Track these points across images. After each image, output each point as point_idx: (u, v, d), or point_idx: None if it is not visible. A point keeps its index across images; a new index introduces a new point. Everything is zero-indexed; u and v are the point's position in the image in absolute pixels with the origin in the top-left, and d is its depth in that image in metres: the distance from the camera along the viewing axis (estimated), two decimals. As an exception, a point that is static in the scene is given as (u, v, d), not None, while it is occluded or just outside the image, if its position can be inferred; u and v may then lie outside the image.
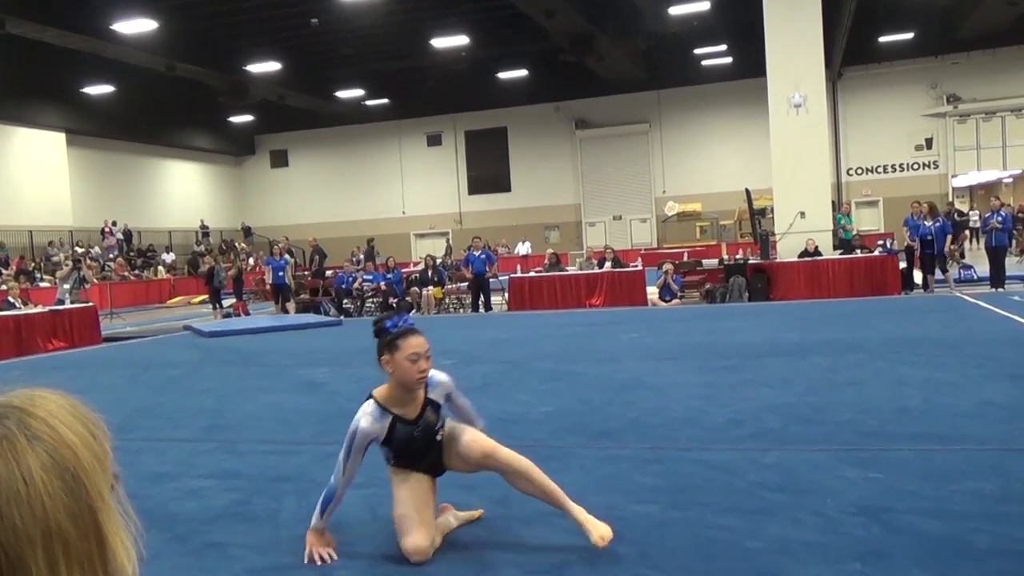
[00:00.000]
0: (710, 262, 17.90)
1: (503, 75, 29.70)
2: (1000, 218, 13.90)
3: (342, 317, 16.40)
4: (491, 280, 16.63)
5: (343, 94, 30.69)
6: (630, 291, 15.69)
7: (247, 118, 33.58)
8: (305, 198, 36.12)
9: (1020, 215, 23.00)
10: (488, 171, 34.30)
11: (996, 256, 13.82)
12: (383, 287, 17.26)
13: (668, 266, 15.70)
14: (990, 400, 5.64)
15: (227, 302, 18.51)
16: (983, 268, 14.84)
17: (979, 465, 4.25)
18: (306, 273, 20.95)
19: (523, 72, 29.44)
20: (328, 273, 20.47)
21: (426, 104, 32.37)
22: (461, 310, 17.32)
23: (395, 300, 17.03)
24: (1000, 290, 13.44)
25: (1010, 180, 32.36)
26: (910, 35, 26.53)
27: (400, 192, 35.39)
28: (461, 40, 24.33)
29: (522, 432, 5.62)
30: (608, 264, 17.14)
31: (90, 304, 14.79)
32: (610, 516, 3.79)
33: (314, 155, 36.50)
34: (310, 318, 15.56)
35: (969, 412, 5.38)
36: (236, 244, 32.93)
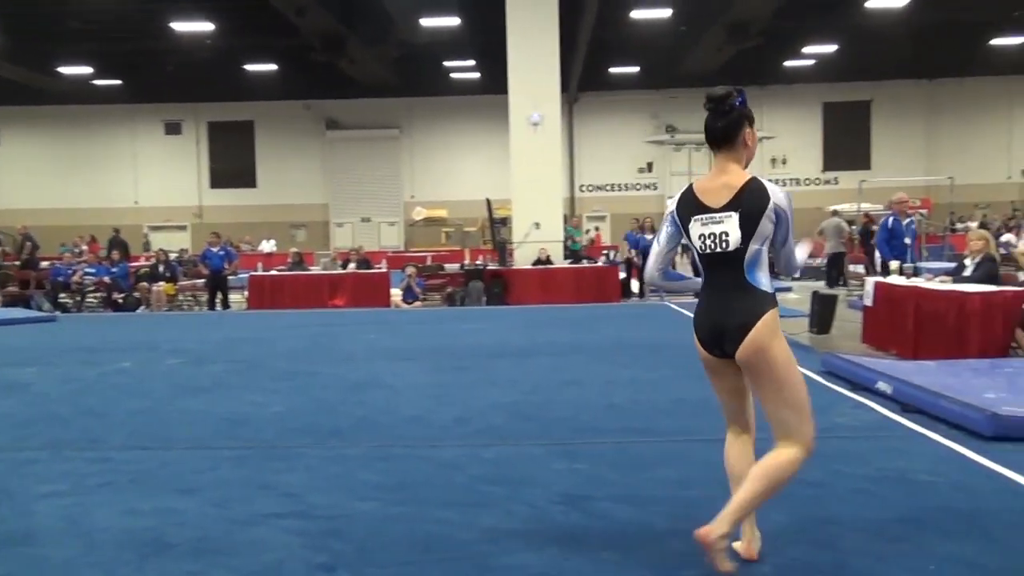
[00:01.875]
0: (452, 267, 18.40)
1: (251, 67, 28.53)
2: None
3: (57, 312, 14.99)
4: (230, 277, 15.97)
5: (68, 71, 27.86)
6: (374, 292, 15.78)
7: (-53, 88, 29.49)
8: (18, 181, 32.38)
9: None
10: (233, 165, 32.89)
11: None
12: (107, 281, 15.98)
13: (411, 269, 16.01)
14: (683, 397, 6.35)
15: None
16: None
17: (668, 454, 4.80)
18: (16, 263, 18.80)
19: (273, 66, 28.47)
20: (44, 264, 18.55)
21: (165, 90, 30.33)
22: (196, 307, 16.48)
23: (120, 295, 15.83)
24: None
25: (717, 204, 36.37)
26: (636, 69, 29.04)
27: (133, 181, 32.86)
28: (205, 26, 23.08)
29: (249, 433, 5.50)
30: (352, 265, 17.12)
31: None
32: (333, 514, 3.86)
33: (31, 135, 32.84)
34: (18, 313, 14.06)
35: (665, 408, 6.04)
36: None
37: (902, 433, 5.15)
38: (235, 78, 29.22)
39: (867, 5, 22.21)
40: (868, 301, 9.31)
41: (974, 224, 21.01)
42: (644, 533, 3.57)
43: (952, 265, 10.26)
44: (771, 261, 3.05)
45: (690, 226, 3.04)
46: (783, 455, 2.95)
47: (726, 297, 3.02)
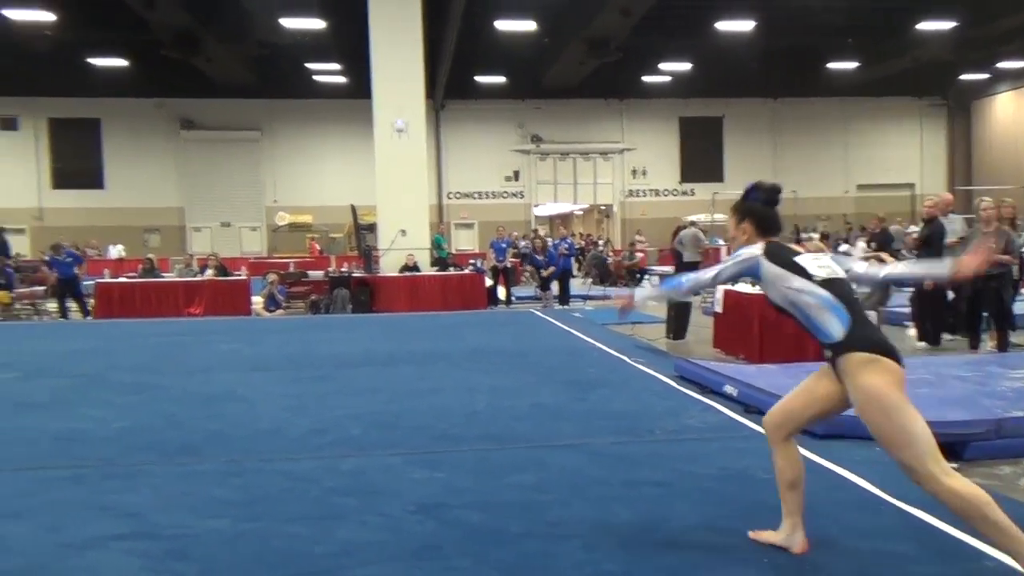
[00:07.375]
0: (317, 273, 18.02)
1: (97, 62, 27.01)
2: (567, 245, 15.98)
3: None
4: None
5: None
6: (233, 300, 15.26)
7: None
8: None
9: (583, 243, 26.61)
10: (77, 165, 30.99)
11: (563, 278, 15.87)
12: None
13: (273, 276, 15.58)
14: (541, 403, 6.46)
15: None
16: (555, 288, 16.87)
17: (524, 460, 4.86)
18: None
19: (121, 62, 27.05)
20: None
21: (-1, 83, 28.29)
22: (35, 317, 15.44)
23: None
24: (566, 307, 15.42)
25: (580, 213, 37.29)
26: (502, 79, 29.42)
27: (-39, 180, 30.43)
28: (44, 16, 21.67)
29: (87, 451, 5.20)
30: (210, 272, 16.47)
31: None
32: (178, 534, 3.70)
33: None
34: None
35: (523, 414, 6.12)
36: None
37: (746, 433, 5.42)
38: (80, 73, 27.59)
39: (717, 26, 23.38)
40: (718, 308, 9.76)
41: (816, 235, 22.44)
42: (497, 538, 3.61)
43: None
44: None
45: None
46: None
47: None
